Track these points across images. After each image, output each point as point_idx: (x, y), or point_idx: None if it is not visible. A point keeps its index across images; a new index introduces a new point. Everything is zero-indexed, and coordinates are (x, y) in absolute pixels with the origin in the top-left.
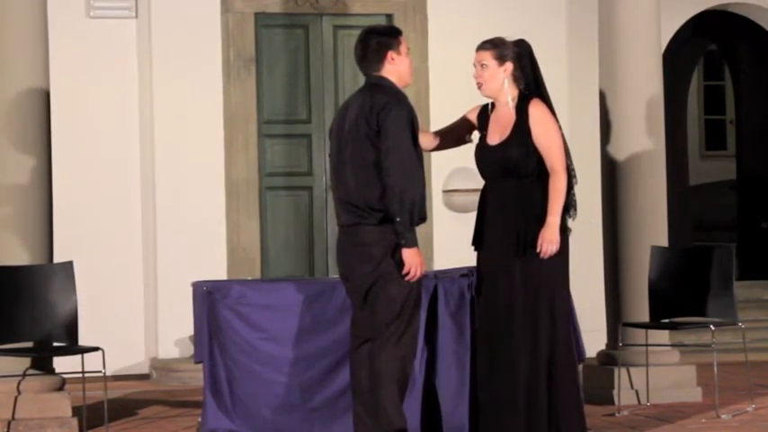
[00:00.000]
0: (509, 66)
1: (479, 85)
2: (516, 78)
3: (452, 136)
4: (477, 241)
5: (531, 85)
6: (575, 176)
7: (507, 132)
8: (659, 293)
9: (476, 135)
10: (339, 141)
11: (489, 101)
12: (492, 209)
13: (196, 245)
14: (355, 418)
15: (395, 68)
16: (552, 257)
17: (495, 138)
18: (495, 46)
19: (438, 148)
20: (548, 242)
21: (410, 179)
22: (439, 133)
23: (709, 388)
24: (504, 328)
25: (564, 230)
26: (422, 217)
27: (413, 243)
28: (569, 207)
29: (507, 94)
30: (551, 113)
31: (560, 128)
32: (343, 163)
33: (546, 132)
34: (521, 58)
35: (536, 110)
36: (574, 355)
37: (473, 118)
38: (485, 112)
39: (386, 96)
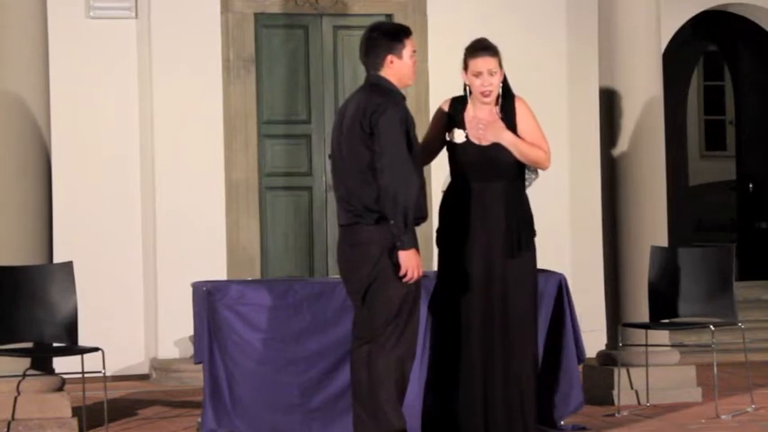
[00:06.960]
0: (503, 71)
1: (488, 93)
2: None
3: (437, 142)
4: (457, 242)
5: (506, 88)
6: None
7: None
8: (659, 293)
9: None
10: (338, 141)
11: (455, 95)
12: (477, 210)
13: (196, 245)
14: (355, 419)
15: (394, 71)
16: (528, 259)
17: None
18: (497, 52)
19: (429, 160)
20: (480, 125)
21: (403, 181)
22: (426, 144)
23: (709, 388)
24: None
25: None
26: (422, 216)
27: (410, 245)
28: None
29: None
30: None
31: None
32: (342, 163)
33: (533, 127)
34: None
35: (522, 106)
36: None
37: (444, 117)
38: (455, 108)
39: (381, 97)
